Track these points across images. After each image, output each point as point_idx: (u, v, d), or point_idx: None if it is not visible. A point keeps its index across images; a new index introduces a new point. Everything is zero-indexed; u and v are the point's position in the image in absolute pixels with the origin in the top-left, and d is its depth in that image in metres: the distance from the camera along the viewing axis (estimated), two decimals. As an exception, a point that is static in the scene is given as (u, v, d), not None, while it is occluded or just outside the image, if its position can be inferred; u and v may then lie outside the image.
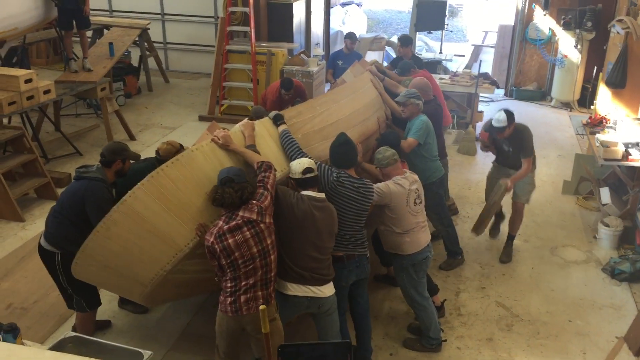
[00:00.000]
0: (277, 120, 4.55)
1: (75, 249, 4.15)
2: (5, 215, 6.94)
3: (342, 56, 9.11)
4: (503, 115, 5.71)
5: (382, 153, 4.80)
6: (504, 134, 5.82)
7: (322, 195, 4.16)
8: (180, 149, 4.94)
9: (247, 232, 3.73)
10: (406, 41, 8.29)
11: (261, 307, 2.63)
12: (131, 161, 4.74)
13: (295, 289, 4.07)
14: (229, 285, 3.80)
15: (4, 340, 3.14)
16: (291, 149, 4.37)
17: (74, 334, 3.63)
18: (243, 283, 3.75)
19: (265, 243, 3.78)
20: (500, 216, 6.69)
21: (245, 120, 4.39)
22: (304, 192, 4.11)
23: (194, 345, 4.98)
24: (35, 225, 6.82)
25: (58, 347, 3.35)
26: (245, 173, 3.94)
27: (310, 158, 4.30)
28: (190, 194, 3.94)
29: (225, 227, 3.72)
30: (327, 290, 4.16)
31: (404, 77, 6.81)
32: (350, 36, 9.17)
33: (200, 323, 5.26)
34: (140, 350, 3.43)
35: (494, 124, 5.77)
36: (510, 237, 6.39)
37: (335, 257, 4.32)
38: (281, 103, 7.53)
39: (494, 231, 6.70)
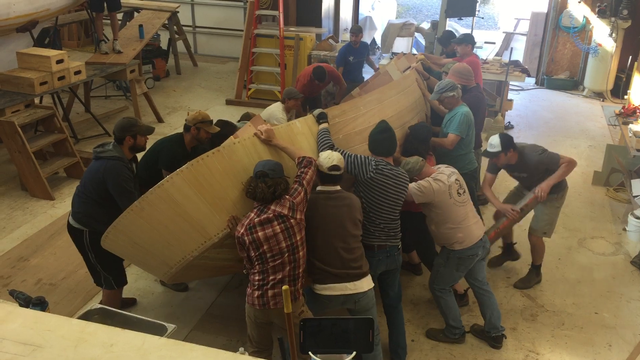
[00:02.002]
0: (320, 119, 4.53)
1: (102, 227, 4.22)
2: (36, 194, 7.08)
3: (353, 51, 8.49)
4: (496, 140, 5.18)
5: (409, 163, 4.67)
6: (500, 160, 5.25)
7: (336, 187, 4.10)
8: (206, 120, 5.04)
9: (277, 227, 3.72)
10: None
11: (284, 287, 2.63)
12: (146, 136, 4.71)
13: (332, 289, 3.99)
14: (257, 278, 3.80)
15: (33, 313, 3.22)
16: (322, 146, 4.34)
17: (100, 306, 3.72)
18: (271, 277, 3.74)
19: (294, 239, 3.76)
20: (510, 252, 5.95)
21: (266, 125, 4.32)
22: (318, 187, 4.11)
23: (216, 326, 5.04)
24: (65, 203, 6.94)
25: (84, 318, 3.43)
26: (282, 167, 3.91)
27: (341, 152, 4.25)
28: (227, 185, 3.96)
29: (256, 219, 3.73)
30: (365, 284, 4.04)
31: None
32: (354, 30, 8.46)
33: (224, 304, 5.31)
34: (163, 323, 3.49)
35: (488, 149, 5.25)
36: (534, 267, 5.67)
37: (366, 246, 4.27)
38: (312, 87, 7.51)
39: (497, 261, 5.96)
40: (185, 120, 5.06)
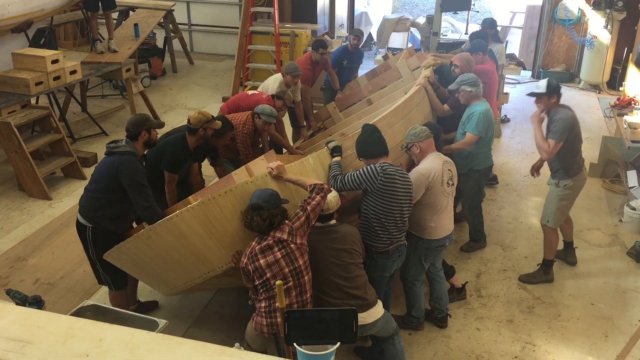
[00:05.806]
0: (334, 152, 4.55)
1: (106, 223, 4.35)
2: (33, 194, 7.09)
3: (347, 55, 8.17)
4: (544, 82, 5.13)
5: (416, 128, 4.74)
6: (541, 102, 5.14)
7: (331, 222, 4.12)
8: (211, 119, 5.05)
9: (278, 252, 3.73)
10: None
11: (277, 282, 2.64)
12: (157, 130, 4.74)
13: None
14: (263, 305, 3.80)
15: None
16: (330, 179, 4.38)
17: (92, 302, 3.73)
18: (277, 304, 3.67)
19: (297, 263, 3.76)
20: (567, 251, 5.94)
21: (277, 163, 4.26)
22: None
23: (214, 323, 5.06)
24: (62, 203, 6.96)
25: (77, 314, 3.46)
26: (279, 196, 3.91)
27: (345, 175, 4.31)
28: (236, 223, 3.98)
29: (257, 247, 3.76)
30: (370, 316, 4.00)
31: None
32: (356, 33, 8.12)
33: (222, 300, 5.34)
34: (155, 319, 3.50)
35: (534, 89, 5.21)
36: (543, 263, 5.61)
37: (380, 252, 4.32)
38: (314, 71, 7.51)
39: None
40: (189, 124, 5.03)
